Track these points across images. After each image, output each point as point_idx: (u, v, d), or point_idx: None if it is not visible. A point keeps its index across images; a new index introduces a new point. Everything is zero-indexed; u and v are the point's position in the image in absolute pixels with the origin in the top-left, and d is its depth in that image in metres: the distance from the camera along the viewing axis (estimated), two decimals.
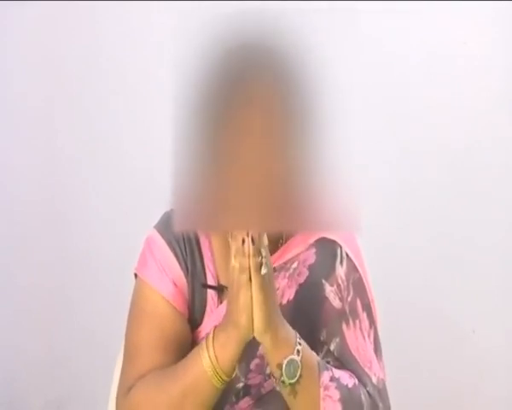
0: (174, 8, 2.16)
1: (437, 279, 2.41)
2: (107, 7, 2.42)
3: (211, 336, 1.26)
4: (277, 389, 1.29)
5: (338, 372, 1.33)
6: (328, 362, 1.36)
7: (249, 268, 1.20)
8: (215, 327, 1.28)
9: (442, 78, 2.38)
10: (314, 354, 1.31)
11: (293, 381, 1.26)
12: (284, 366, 1.25)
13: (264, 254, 1.20)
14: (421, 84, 2.38)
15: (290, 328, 1.27)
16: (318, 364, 1.30)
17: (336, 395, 1.30)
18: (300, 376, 1.26)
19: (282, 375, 1.25)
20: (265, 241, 1.22)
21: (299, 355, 1.25)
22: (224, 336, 1.25)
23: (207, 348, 1.25)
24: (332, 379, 1.30)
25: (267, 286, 1.21)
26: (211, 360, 1.25)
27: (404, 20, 2.36)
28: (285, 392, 1.27)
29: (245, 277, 1.20)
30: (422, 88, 2.38)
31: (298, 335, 1.28)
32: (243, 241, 1.19)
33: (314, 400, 1.28)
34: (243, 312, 1.22)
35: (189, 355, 1.30)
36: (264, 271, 1.20)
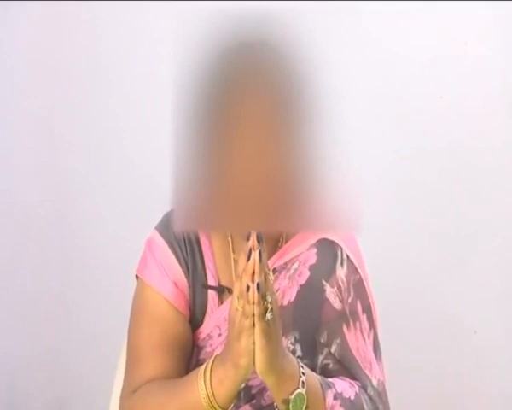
0: (174, 9, 2.16)
1: (438, 280, 2.40)
2: (108, 7, 2.42)
3: (209, 366, 1.23)
4: None
5: (339, 385, 1.32)
6: (328, 364, 1.36)
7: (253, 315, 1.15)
8: (215, 357, 1.24)
9: (443, 78, 2.37)
10: (315, 375, 1.29)
11: None
12: (291, 402, 1.22)
13: (269, 299, 1.15)
14: (422, 84, 2.37)
15: (293, 359, 1.24)
16: (321, 385, 1.28)
17: None
18: (307, 407, 1.24)
19: None
20: (271, 281, 1.17)
21: (304, 387, 1.23)
22: (222, 372, 1.21)
23: (205, 379, 1.23)
24: (336, 397, 1.29)
25: (271, 331, 1.16)
26: (207, 394, 1.22)
27: (404, 21, 2.36)
28: None
29: (248, 322, 1.15)
30: (423, 88, 2.37)
31: (300, 363, 1.24)
32: (248, 287, 1.14)
33: None
34: (244, 355, 1.17)
35: (188, 378, 1.27)
36: (269, 316, 1.15)
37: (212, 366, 1.23)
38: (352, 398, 1.32)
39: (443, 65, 2.36)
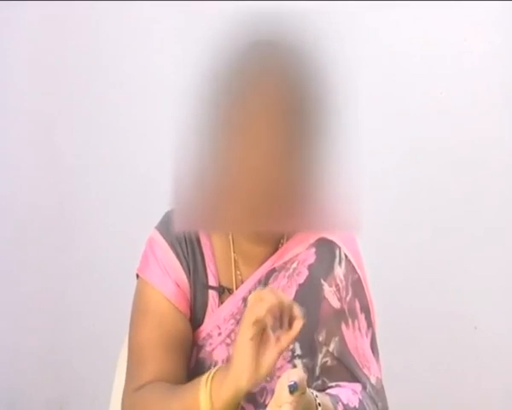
0: (174, 9, 2.16)
1: (438, 276, 2.41)
2: (108, 7, 2.42)
3: (211, 375, 1.23)
4: None
5: (344, 396, 1.30)
6: (326, 362, 1.36)
7: None
8: (218, 368, 1.24)
9: (443, 74, 2.38)
10: (326, 396, 1.26)
11: None
12: None
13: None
14: (421, 80, 2.37)
15: (310, 395, 1.18)
16: (332, 404, 1.25)
17: None
18: None
19: None
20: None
21: None
22: (221, 384, 1.20)
23: (206, 388, 1.22)
24: None
25: None
26: (208, 401, 1.21)
27: (404, 18, 2.36)
28: None
29: None
30: (423, 84, 2.37)
31: (314, 393, 1.20)
32: None
33: None
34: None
35: (191, 383, 1.26)
36: None
37: (213, 377, 1.23)
38: (357, 406, 1.31)
39: (443, 62, 2.37)
